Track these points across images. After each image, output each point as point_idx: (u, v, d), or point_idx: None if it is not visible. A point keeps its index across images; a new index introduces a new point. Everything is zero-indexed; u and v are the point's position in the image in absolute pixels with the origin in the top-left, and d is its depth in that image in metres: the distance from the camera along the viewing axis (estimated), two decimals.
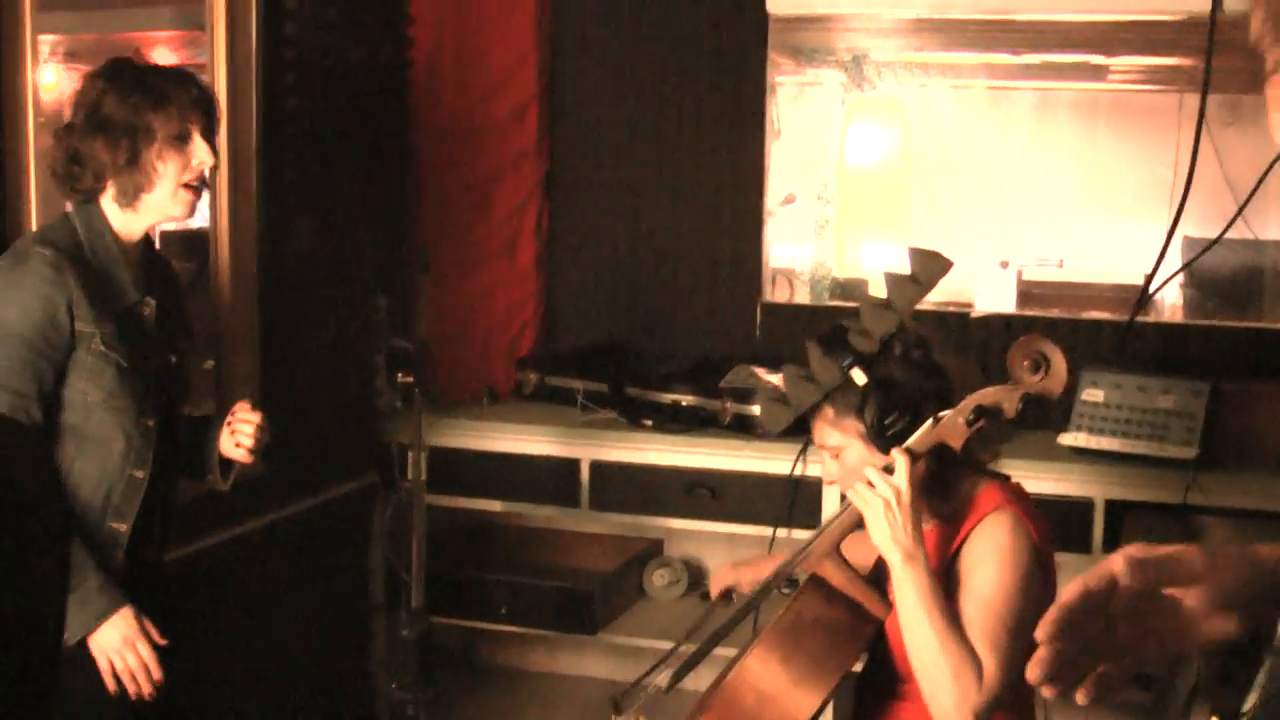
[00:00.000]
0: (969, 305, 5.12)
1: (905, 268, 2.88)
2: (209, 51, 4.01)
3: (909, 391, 2.81)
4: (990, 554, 2.76)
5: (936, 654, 2.63)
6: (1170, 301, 5.53)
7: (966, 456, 2.84)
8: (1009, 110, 6.03)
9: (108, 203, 2.95)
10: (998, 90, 6.01)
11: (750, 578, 3.32)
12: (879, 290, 3.00)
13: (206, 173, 3.01)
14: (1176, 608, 1.51)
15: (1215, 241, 1.27)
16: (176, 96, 2.92)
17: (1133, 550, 1.50)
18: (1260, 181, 1.31)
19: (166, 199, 2.95)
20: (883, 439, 2.78)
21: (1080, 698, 1.54)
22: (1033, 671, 1.47)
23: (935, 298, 4.61)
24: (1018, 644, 2.65)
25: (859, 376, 2.81)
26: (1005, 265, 5.73)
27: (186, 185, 2.96)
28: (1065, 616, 1.48)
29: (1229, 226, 2.32)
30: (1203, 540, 3.79)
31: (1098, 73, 5.99)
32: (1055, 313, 5.14)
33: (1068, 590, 1.52)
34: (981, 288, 5.33)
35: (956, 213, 6.02)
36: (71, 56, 3.70)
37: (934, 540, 2.86)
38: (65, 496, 1.31)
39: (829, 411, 2.87)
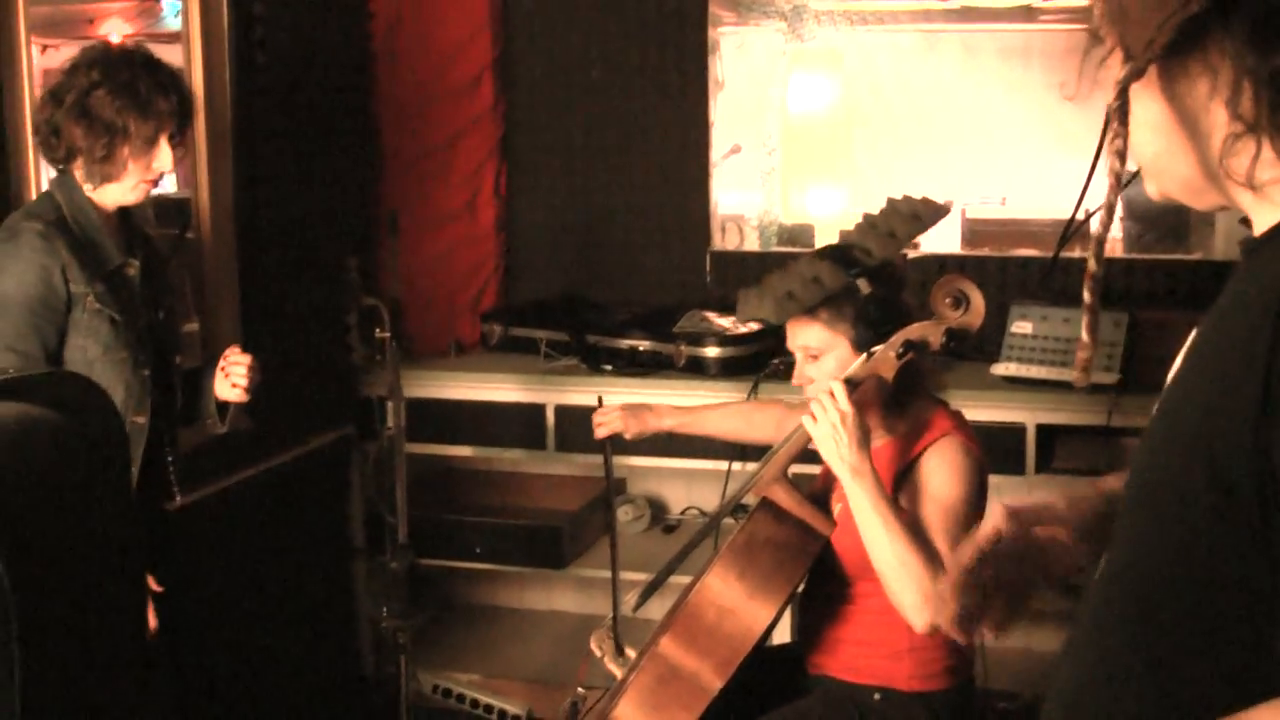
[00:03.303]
0: (915, 243, 5.36)
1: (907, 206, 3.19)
2: (184, 33, 4.23)
3: (899, 309, 3.09)
4: (945, 467, 3.05)
5: (897, 553, 2.87)
6: (1111, 235, 5.71)
7: (918, 383, 3.14)
8: (944, 55, 6.17)
9: (82, 179, 3.20)
10: (932, 35, 6.17)
11: (635, 429, 3.68)
12: (825, 237, 3.31)
13: (168, 171, 3.28)
14: (1046, 546, 1.89)
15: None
16: (158, 106, 3.16)
17: (1009, 502, 1.92)
18: (1100, 142, 1.57)
19: (127, 189, 3.22)
20: (869, 346, 3.05)
21: (987, 635, 1.93)
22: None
23: None
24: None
25: (864, 286, 3.08)
26: (949, 204, 5.95)
27: (145, 180, 3.22)
28: (966, 574, 1.88)
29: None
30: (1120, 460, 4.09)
31: (1029, 14, 6.18)
32: (986, 251, 5.38)
33: (964, 551, 1.90)
34: None
35: (898, 156, 6.18)
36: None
37: (889, 454, 3.14)
38: (128, 441, 1.54)
39: (823, 314, 3.12)
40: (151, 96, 3.15)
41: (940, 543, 2.93)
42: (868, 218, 3.20)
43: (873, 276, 3.09)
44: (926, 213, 3.18)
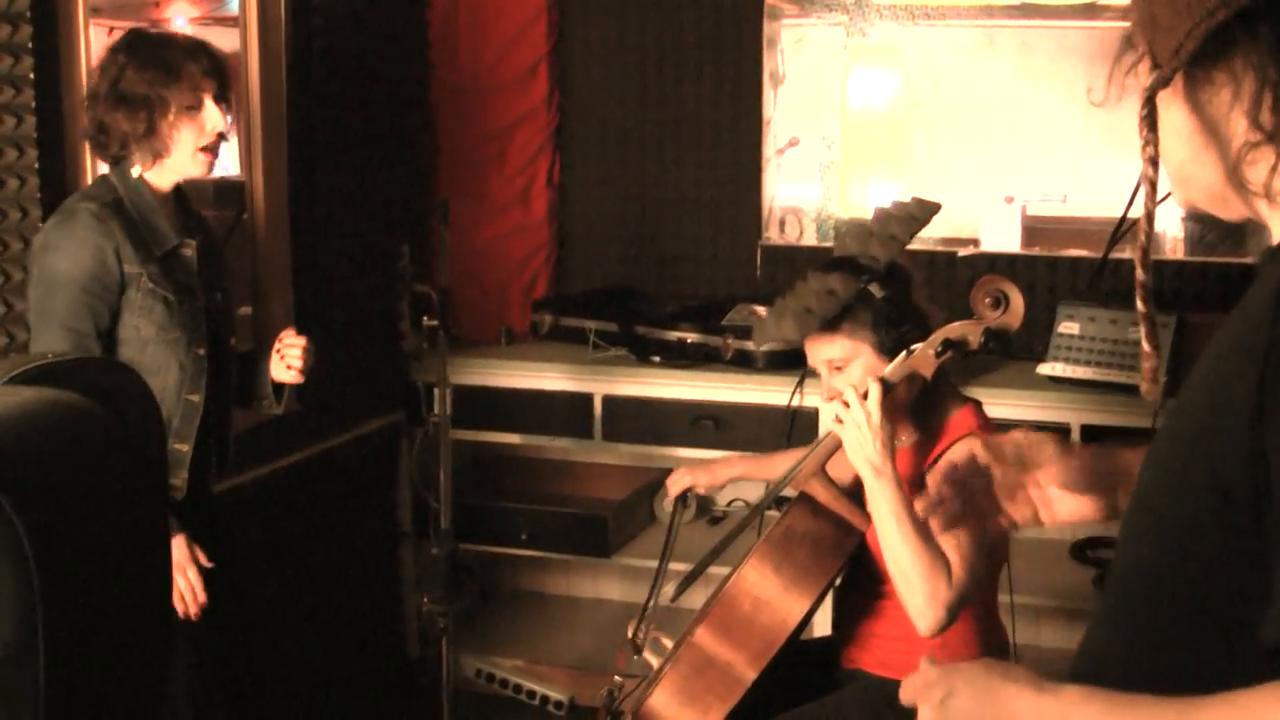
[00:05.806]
0: (977, 239, 5.40)
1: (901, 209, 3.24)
2: (241, 18, 4.28)
3: (914, 307, 3.13)
4: None
5: (909, 555, 2.90)
6: (1172, 235, 5.67)
7: (946, 382, 3.18)
8: (1007, 51, 6.14)
9: (137, 163, 3.25)
10: (995, 30, 6.13)
11: (706, 481, 3.71)
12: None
13: (224, 132, 3.30)
14: (1022, 483, 2.10)
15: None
16: (188, 69, 3.20)
17: (988, 436, 2.16)
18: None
19: (186, 161, 3.26)
20: (892, 348, 3.08)
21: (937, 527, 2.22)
22: (919, 505, 2.18)
23: (942, 232, 5.10)
24: (979, 552, 2.96)
25: (876, 290, 3.11)
26: (1010, 200, 5.94)
27: (203, 148, 3.26)
28: (944, 475, 2.13)
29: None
30: None
31: (1092, 11, 6.14)
32: (1037, 250, 5.37)
33: (941, 465, 2.17)
34: (987, 223, 5.55)
35: (958, 152, 6.15)
36: (94, 12, 3.81)
37: (910, 455, 3.17)
38: (164, 428, 1.58)
39: (844, 325, 3.13)
40: (180, 63, 3.19)
41: (948, 548, 2.93)
42: (863, 225, 3.25)
43: (883, 280, 3.13)
44: (921, 211, 3.22)
